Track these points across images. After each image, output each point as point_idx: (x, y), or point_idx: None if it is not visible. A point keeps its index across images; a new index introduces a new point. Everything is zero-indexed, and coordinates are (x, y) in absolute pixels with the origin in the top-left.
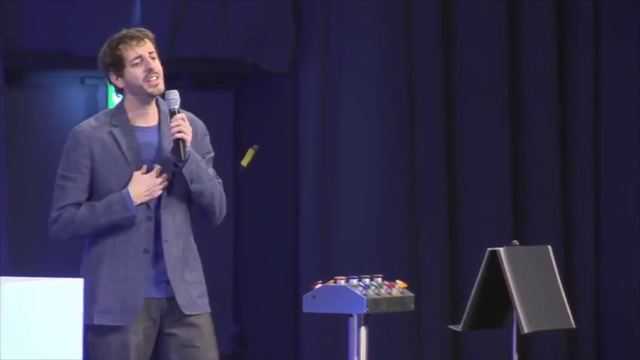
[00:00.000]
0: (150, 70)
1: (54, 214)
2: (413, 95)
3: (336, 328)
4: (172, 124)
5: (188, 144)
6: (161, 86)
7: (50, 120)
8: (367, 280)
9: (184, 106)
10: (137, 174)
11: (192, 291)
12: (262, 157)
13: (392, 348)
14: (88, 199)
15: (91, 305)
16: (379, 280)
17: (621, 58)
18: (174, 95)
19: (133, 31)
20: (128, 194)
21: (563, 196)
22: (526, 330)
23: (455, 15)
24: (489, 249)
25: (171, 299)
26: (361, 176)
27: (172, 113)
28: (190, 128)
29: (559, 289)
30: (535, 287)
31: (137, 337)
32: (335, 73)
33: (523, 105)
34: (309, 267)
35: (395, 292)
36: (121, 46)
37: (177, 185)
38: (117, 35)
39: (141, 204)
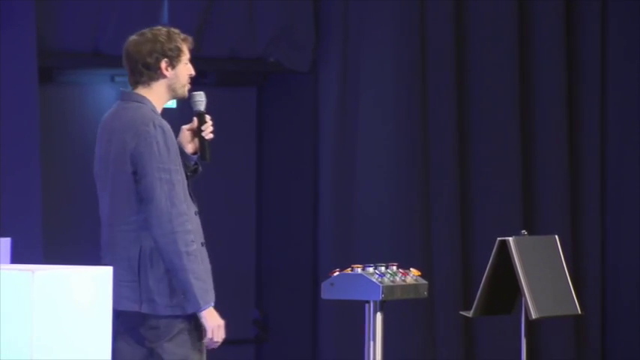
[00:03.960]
0: (191, 76)
1: (180, 209)
2: (426, 91)
3: (353, 313)
4: (208, 125)
5: None
6: None
7: (81, 116)
8: (382, 269)
9: (210, 102)
10: None
11: None
12: (284, 151)
13: (406, 333)
14: None
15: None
16: (394, 268)
17: (627, 56)
18: (202, 97)
19: (183, 34)
20: (210, 306)
21: (570, 188)
22: (534, 316)
23: (467, 14)
24: (499, 238)
25: None
26: (377, 169)
27: (200, 114)
28: None
29: (566, 276)
30: (543, 275)
31: None
32: (353, 71)
33: (533, 100)
34: (327, 256)
35: (409, 279)
36: (183, 42)
37: None
38: (167, 28)
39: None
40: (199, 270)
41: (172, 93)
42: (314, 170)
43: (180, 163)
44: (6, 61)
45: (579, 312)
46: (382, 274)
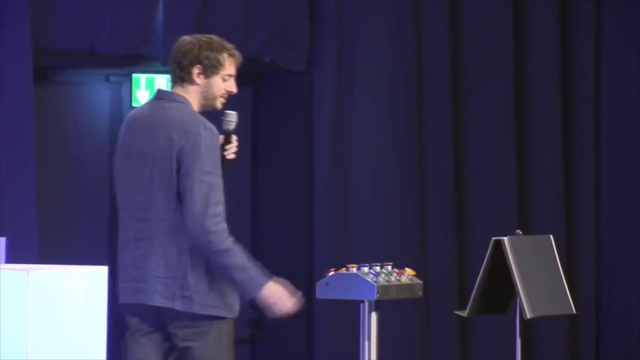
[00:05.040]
0: (230, 93)
1: (215, 211)
2: (422, 91)
3: (348, 313)
4: (233, 146)
5: None
6: None
7: (76, 116)
8: (377, 268)
9: None
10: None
11: None
12: (279, 150)
13: (401, 333)
14: None
15: (232, 298)
16: (389, 267)
17: (621, 56)
18: (234, 118)
19: (235, 50)
20: (265, 287)
21: (565, 188)
22: (529, 315)
23: (462, 14)
24: (494, 238)
25: None
26: (372, 169)
27: (228, 133)
28: None
29: (560, 276)
30: (537, 275)
31: None
32: (348, 70)
33: (528, 100)
34: (322, 255)
35: (404, 279)
36: (225, 55)
37: None
38: (218, 39)
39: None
40: (242, 262)
41: (204, 101)
42: (309, 169)
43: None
44: (1, 60)
45: (574, 312)
46: (377, 274)
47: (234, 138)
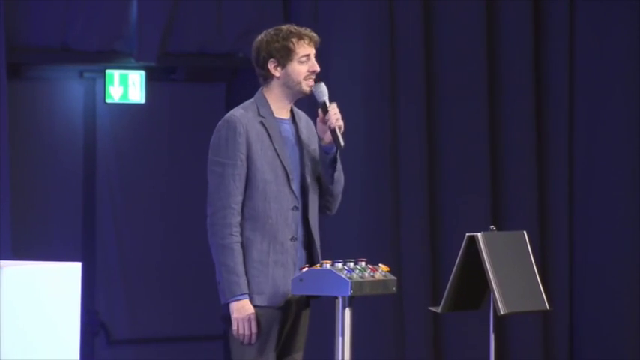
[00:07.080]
0: (313, 72)
1: (225, 203)
2: (396, 88)
3: (322, 309)
4: (332, 113)
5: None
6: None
7: (50, 111)
8: (351, 264)
9: (179, 98)
10: None
11: None
12: None
13: (375, 328)
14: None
15: (262, 287)
16: (363, 264)
17: (594, 57)
18: (320, 88)
19: (306, 30)
20: (237, 299)
21: (538, 185)
22: (502, 311)
23: (435, 13)
24: (468, 234)
25: None
26: (347, 165)
27: (324, 104)
28: None
29: (534, 272)
30: (511, 270)
31: (288, 317)
32: (322, 68)
33: (502, 99)
34: None
35: (378, 275)
36: (294, 40)
37: (316, 178)
38: (286, 27)
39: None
40: (233, 263)
41: (289, 90)
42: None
43: (241, 158)
44: None
45: (547, 307)
46: (351, 270)
47: (332, 106)
